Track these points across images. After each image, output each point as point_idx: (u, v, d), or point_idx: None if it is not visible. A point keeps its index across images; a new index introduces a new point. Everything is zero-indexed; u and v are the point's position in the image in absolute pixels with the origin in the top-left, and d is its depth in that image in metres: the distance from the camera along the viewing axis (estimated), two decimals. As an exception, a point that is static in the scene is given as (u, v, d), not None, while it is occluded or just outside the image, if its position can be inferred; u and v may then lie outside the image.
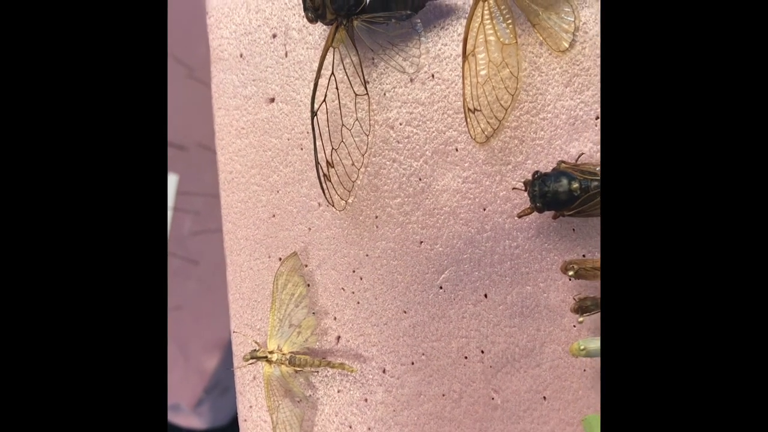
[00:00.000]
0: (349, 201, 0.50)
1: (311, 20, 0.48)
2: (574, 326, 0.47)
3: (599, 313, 0.44)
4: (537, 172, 0.44)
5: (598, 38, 0.47)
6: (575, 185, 0.42)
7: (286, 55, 0.54)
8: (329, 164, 0.49)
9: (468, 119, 0.46)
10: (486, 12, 0.45)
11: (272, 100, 0.54)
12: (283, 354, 0.50)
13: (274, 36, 0.54)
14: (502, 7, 0.45)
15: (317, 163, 0.49)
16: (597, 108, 0.47)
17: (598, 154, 0.46)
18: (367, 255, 0.51)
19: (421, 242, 0.50)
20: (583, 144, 0.47)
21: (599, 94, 0.47)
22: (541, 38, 0.45)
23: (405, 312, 0.50)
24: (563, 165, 0.45)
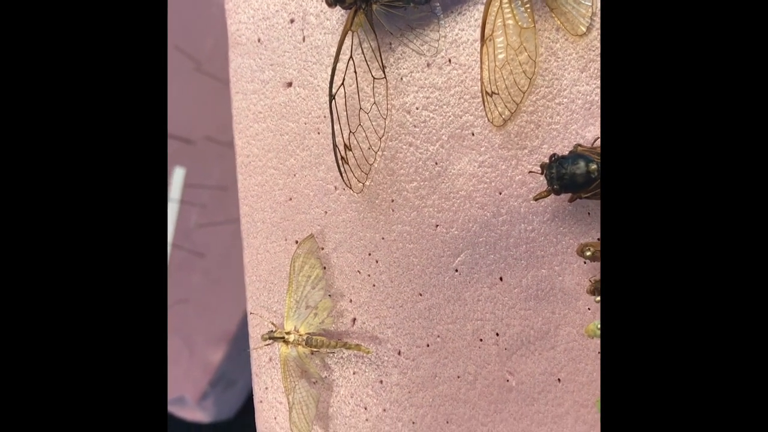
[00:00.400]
0: (367, 184, 0.50)
1: (330, 4, 0.49)
2: (589, 309, 0.47)
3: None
4: (554, 154, 0.45)
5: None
6: (593, 167, 0.43)
7: (303, 39, 0.54)
8: (347, 147, 0.49)
9: (486, 102, 0.46)
10: (505, -4, 0.45)
11: (290, 84, 0.54)
12: (300, 335, 0.51)
13: (292, 21, 0.54)
14: (521, -9, 0.45)
15: (335, 146, 0.49)
16: (612, 93, 0.47)
17: (614, 139, 0.47)
18: (383, 238, 0.52)
19: (437, 226, 0.51)
20: (599, 129, 0.47)
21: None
22: (558, 23, 0.45)
23: (420, 294, 0.51)
24: (579, 148, 0.45)
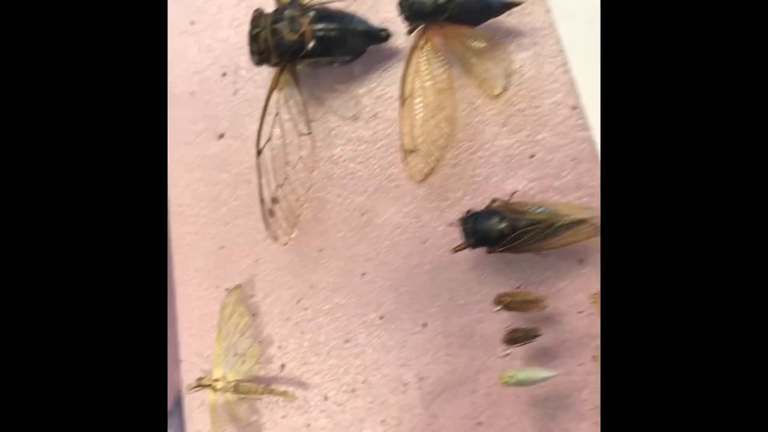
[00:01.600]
0: (292, 236, 0.52)
1: (257, 63, 0.51)
2: (508, 354, 0.49)
3: (529, 343, 0.47)
4: (470, 210, 0.47)
5: (534, 80, 0.50)
6: (504, 224, 0.45)
7: (235, 93, 0.56)
8: (274, 200, 0.51)
9: (405, 160, 0.48)
10: (423, 59, 0.47)
11: (221, 136, 0.56)
12: (228, 382, 0.52)
13: (224, 74, 0.56)
14: (438, 54, 0.47)
15: (262, 199, 0.50)
16: (531, 147, 0.50)
17: (533, 191, 0.49)
18: (311, 286, 0.53)
19: (364, 274, 0.52)
20: (517, 181, 0.50)
21: (533, 135, 0.49)
22: (475, 83, 0.47)
23: (347, 341, 0.53)
24: (496, 203, 0.48)
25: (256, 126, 0.54)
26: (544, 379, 0.45)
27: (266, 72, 0.55)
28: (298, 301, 0.54)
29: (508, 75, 0.46)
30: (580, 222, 0.45)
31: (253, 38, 0.50)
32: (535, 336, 0.46)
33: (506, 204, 0.47)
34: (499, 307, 0.47)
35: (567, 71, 0.49)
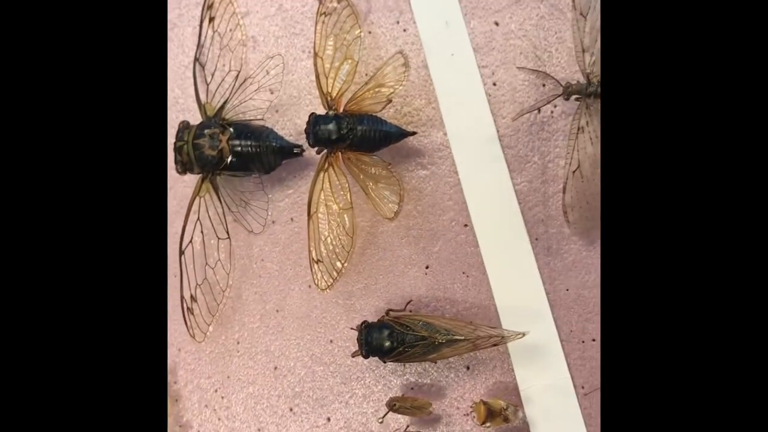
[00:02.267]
0: (209, 332, 0.56)
1: (180, 172, 0.55)
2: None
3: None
4: (365, 321, 0.51)
5: (431, 197, 0.54)
6: (393, 339, 0.49)
7: (169, 189, 0.60)
8: (193, 299, 0.55)
9: (312, 268, 0.52)
10: (327, 180, 0.52)
11: (152, 230, 0.60)
12: (148, 466, 0.56)
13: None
14: (341, 178, 0.52)
15: (182, 298, 0.55)
16: (427, 258, 0.54)
17: (426, 299, 0.54)
18: (228, 377, 0.58)
19: (276, 368, 0.57)
20: (414, 289, 0.54)
21: (429, 247, 0.54)
22: (371, 206, 0.52)
23: (259, 430, 0.57)
24: (390, 314, 0.52)
25: (182, 223, 0.58)
26: (424, 482, 0.50)
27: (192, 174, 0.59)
28: (215, 390, 0.58)
29: (401, 200, 0.51)
30: (457, 341, 0.49)
31: (177, 150, 0.54)
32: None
33: (396, 317, 0.51)
34: (395, 408, 0.51)
35: (460, 191, 0.54)
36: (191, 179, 0.58)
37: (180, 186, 0.60)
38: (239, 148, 0.54)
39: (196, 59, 0.57)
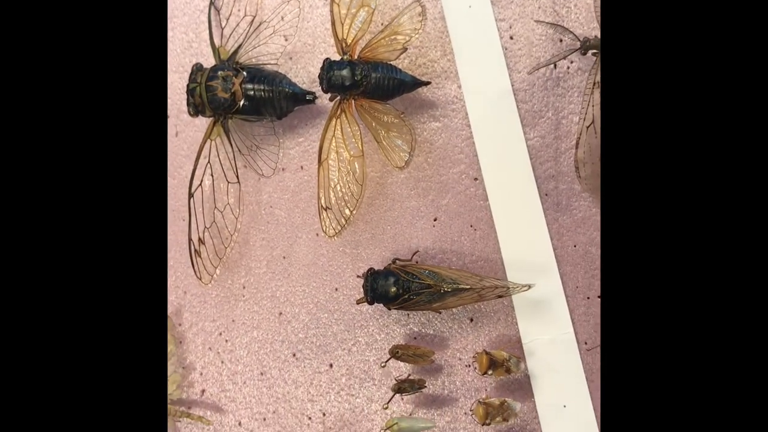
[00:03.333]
0: (216, 275, 0.56)
1: (192, 115, 0.55)
2: (402, 399, 0.54)
3: (416, 393, 0.52)
4: (371, 269, 0.51)
5: (441, 150, 0.54)
6: (398, 286, 0.50)
7: (176, 134, 0.60)
8: (201, 241, 0.55)
9: (321, 215, 0.53)
10: (338, 128, 0.52)
11: (161, 173, 0.60)
12: (151, 405, 0.57)
13: (168, 117, 0.60)
14: (353, 125, 0.52)
15: (190, 240, 0.55)
16: (435, 210, 0.54)
17: (433, 251, 0.54)
18: (233, 321, 0.58)
19: (280, 313, 0.57)
20: (422, 241, 0.54)
21: (437, 200, 0.54)
22: (382, 155, 0.52)
23: (262, 374, 0.57)
24: (396, 263, 0.52)
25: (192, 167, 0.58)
26: (424, 428, 0.50)
27: (205, 118, 0.59)
28: (220, 333, 0.58)
29: (412, 149, 0.51)
30: (463, 290, 0.49)
31: (189, 92, 0.54)
32: (421, 387, 0.51)
33: (403, 266, 0.51)
34: (397, 356, 0.52)
35: (472, 144, 0.53)
36: (202, 124, 0.58)
37: (191, 130, 0.60)
38: (252, 92, 0.54)
39: (211, 3, 0.57)
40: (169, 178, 0.60)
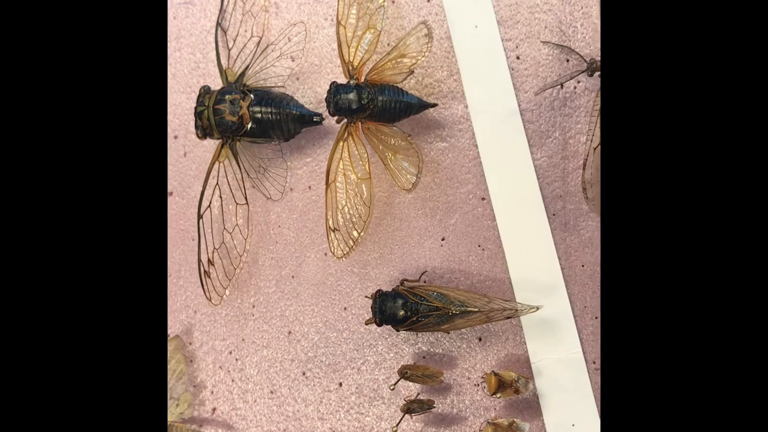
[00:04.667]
0: (225, 296, 0.57)
1: (200, 137, 0.55)
2: (411, 418, 0.54)
3: (425, 413, 0.52)
4: (379, 290, 0.52)
5: (449, 170, 0.54)
6: (407, 308, 0.50)
7: (185, 155, 0.60)
8: (210, 262, 0.56)
9: (329, 237, 0.53)
10: (346, 150, 0.52)
11: (170, 193, 0.61)
12: (163, 424, 0.57)
13: (176, 137, 0.61)
14: (360, 148, 0.52)
15: (199, 261, 0.55)
16: (443, 230, 0.54)
17: (441, 271, 0.54)
18: (243, 340, 0.58)
19: (290, 332, 0.58)
20: (429, 261, 0.55)
21: (445, 219, 0.54)
22: (390, 177, 0.52)
23: (272, 392, 0.58)
24: (404, 283, 0.53)
25: (201, 187, 0.59)
26: (433, 450, 0.51)
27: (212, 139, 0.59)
28: (230, 352, 0.59)
29: (419, 172, 0.51)
30: (471, 312, 0.49)
31: (197, 115, 0.55)
32: (431, 407, 0.51)
33: (411, 288, 0.52)
34: (406, 376, 0.52)
35: (479, 164, 0.54)
36: (211, 144, 0.59)
37: (199, 150, 0.60)
38: (259, 115, 0.54)
39: (218, 24, 0.57)
40: (177, 198, 0.60)
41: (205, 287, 0.56)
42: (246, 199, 0.56)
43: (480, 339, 0.53)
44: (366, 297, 0.55)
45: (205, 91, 0.55)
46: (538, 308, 0.50)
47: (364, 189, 0.52)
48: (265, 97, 0.55)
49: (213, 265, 0.56)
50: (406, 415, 0.52)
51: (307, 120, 0.55)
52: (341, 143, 0.52)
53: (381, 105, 0.51)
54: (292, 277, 0.58)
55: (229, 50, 0.57)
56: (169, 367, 0.58)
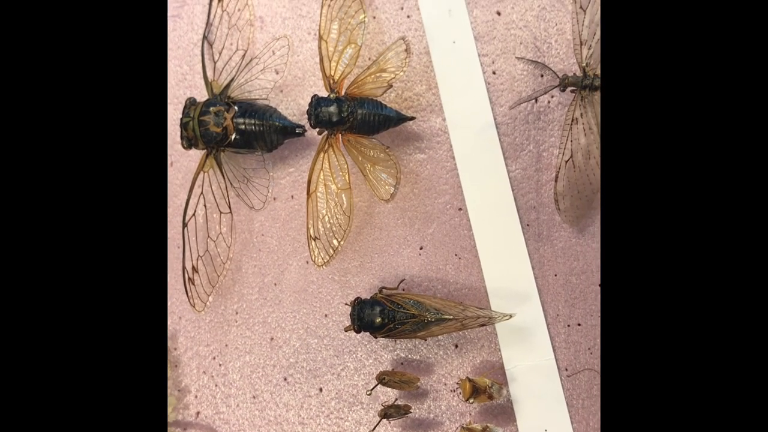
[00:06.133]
0: (208, 303, 0.58)
1: (185, 147, 0.57)
2: (389, 423, 0.56)
3: (402, 418, 0.54)
4: (357, 298, 0.53)
5: (427, 181, 0.56)
6: (384, 315, 0.51)
7: (171, 164, 0.62)
8: (194, 269, 0.57)
9: (310, 245, 0.54)
10: (326, 161, 0.53)
11: (157, 202, 0.62)
12: (147, 427, 0.59)
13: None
14: (340, 159, 0.53)
15: (184, 268, 0.57)
16: (421, 239, 0.56)
17: (419, 279, 0.56)
18: (226, 345, 0.60)
19: (272, 339, 0.59)
20: (408, 269, 0.56)
21: (423, 228, 0.56)
22: (369, 187, 0.53)
23: (254, 397, 0.59)
24: (383, 291, 0.54)
25: (186, 196, 0.60)
26: (409, 453, 0.52)
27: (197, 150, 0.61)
28: (214, 357, 0.60)
29: (398, 183, 0.52)
30: (446, 320, 0.51)
31: (183, 126, 0.56)
32: (407, 413, 0.53)
33: (389, 295, 0.53)
34: (384, 381, 0.53)
35: (456, 176, 0.55)
36: (196, 154, 0.60)
37: (185, 160, 0.61)
38: (243, 126, 0.55)
39: (204, 37, 0.59)
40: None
41: (190, 294, 0.57)
42: (230, 208, 0.58)
43: (456, 346, 0.55)
44: (345, 304, 0.56)
45: (190, 103, 0.57)
46: (511, 316, 0.52)
47: (344, 199, 0.54)
48: (249, 109, 0.56)
49: (197, 272, 0.57)
50: (384, 419, 0.53)
51: (289, 131, 0.56)
52: (322, 154, 0.54)
53: (360, 118, 0.52)
54: (275, 284, 0.59)
55: (215, 63, 0.58)
56: (153, 372, 0.59)
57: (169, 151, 0.62)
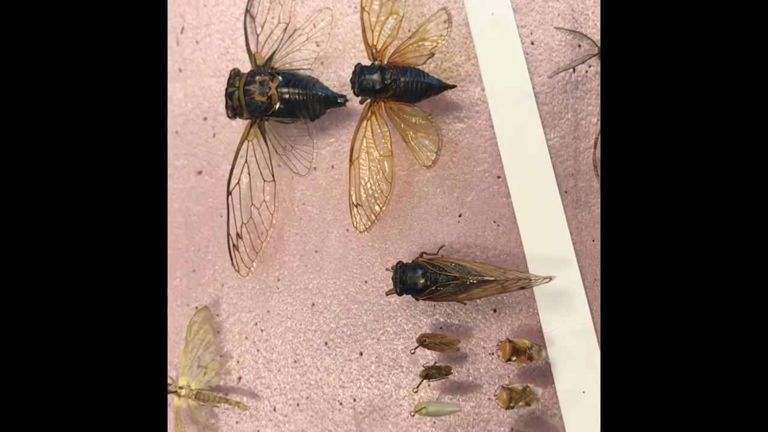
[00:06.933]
0: (252, 268, 0.60)
1: (231, 117, 0.58)
2: (429, 385, 0.57)
3: (442, 380, 0.55)
4: (400, 262, 0.55)
5: (466, 150, 0.57)
6: (426, 278, 0.53)
7: (214, 135, 0.63)
8: (238, 236, 0.59)
9: (351, 212, 0.56)
10: (369, 129, 0.55)
11: (200, 172, 0.64)
12: (191, 390, 0.60)
13: (205, 119, 0.64)
14: (383, 127, 0.55)
15: (228, 235, 0.58)
16: (460, 207, 0.57)
17: (458, 245, 0.57)
18: (268, 311, 0.61)
19: (313, 305, 0.60)
20: (447, 236, 0.57)
21: (462, 197, 0.57)
22: (410, 154, 0.55)
23: (296, 362, 0.61)
24: (424, 256, 0.55)
25: (229, 166, 0.62)
26: (450, 412, 0.53)
27: (242, 120, 0.62)
28: (255, 323, 0.62)
29: (439, 149, 0.54)
30: (487, 282, 0.52)
31: (228, 96, 0.58)
32: (448, 374, 0.54)
33: (430, 259, 0.54)
34: (425, 344, 0.55)
35: (495, 144, 0.56)
36: (238, 125, 0.62)
37: (228, 131, 0.63)
38: (287, 96, 0.57)
39: (247, 11, 0.60)
40: (207, 177, 0.63)
41: (234, 260, 0.59)
42: (273, 176, 0.59)
43: (495, 310, 0.56)
44: (387, 269, 0.57)
45: (235, 74, 0.58)
46: (551, 279, 0.53)
47: (386, 166, 0.55)
48: (292, 78, 0.57)
49: (241, 238, 0.59)
50: (425, 380, 0.55)
51: (331, 101, 0.58)
52: (365, 122, 0.55)
53: (403, 85, 0.54)
54: (315, 251, 0.60)
55: (258, 36, 0.60)
56: (197, 336, 0.61)
57: (212, 123, 0.64)
